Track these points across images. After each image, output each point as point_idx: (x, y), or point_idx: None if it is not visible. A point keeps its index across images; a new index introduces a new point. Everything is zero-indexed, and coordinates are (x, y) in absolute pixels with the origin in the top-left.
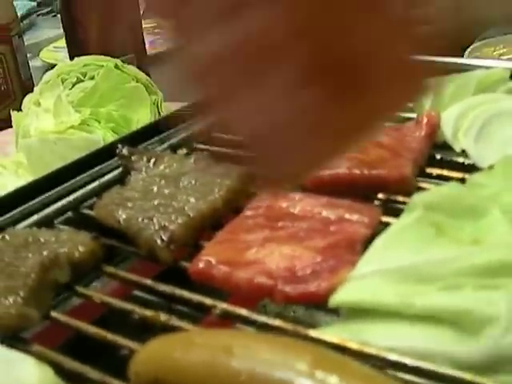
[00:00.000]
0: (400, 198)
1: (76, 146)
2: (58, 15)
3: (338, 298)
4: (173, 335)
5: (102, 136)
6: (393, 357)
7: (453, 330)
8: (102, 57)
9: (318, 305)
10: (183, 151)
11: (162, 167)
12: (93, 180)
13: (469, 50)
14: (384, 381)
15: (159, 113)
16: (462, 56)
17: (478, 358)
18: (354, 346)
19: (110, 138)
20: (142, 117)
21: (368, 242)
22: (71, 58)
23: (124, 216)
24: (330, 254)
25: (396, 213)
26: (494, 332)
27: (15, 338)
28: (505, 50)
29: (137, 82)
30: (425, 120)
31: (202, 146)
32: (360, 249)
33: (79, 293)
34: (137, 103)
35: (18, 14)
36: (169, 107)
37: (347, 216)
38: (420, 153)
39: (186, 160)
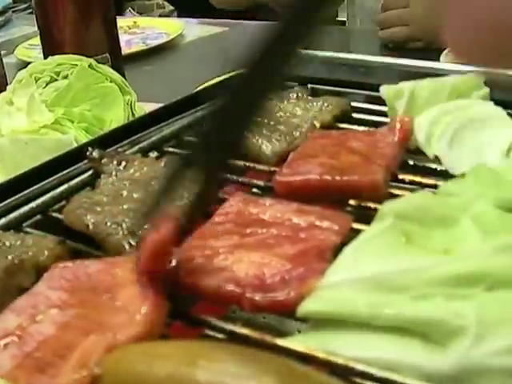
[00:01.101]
0: (371, 205)
1: (48, 147)
2: None
3: (305, 308)
4: (135, 346)
5: (75, 136)
6: (360, 367)
7: (422, 341)
8: (76, 56)
9: (288, 313)
10: (154, 154)
11: (132, 171)
12: (62, 183)
13: (444, 52)
14: None
15: (133, 113)
16: (438, 59)
17: (445, 369)
18: (320, 355)
19: (83, 138)
20: (116, 117)
21: (338, 249)
22: (45, 57)
23: (92, 220)
24: (299, 261)
25: (367, 220)
26: (463, 344)
27: None
28: None
29: (110, 81)
30: (398, 125)
31: (172, 150)
32: (330, 257)
33: None
34: (110, 103)
35: None
36: (142, 107)
37: (317, 223)
38: (393, 159)
39: (157, 163)
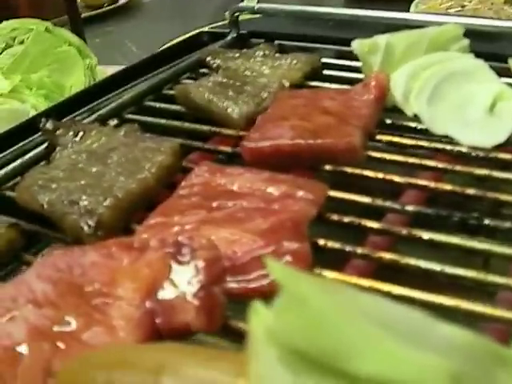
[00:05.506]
0: (348, 170)
1: (3, 118)
2: None
3: None
4: (94, 354)
5: (34, 104)
6: None
7: None
8: (32, 20)
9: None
10: (114, 122)
11: (89, 141)
12: (15, 158)
13: (415, 1)
14: None
15: (94, 78)
16: (408, 8)
17: None
18: None
19: (43, 105)
20: (76, 82)
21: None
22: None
23: (47, 199)
24: (272, 237)
25: (345, 186)
26: None
27: None
28: (452, 3)
29: (69, 45)
30: (373, 82)
31: (132, 117)
32: (305, 230)
33: None
34: (70, 68)
35: None
36: (104, 71)
37: (291, 192)
38: (369, 118)
39: (116, 133)
